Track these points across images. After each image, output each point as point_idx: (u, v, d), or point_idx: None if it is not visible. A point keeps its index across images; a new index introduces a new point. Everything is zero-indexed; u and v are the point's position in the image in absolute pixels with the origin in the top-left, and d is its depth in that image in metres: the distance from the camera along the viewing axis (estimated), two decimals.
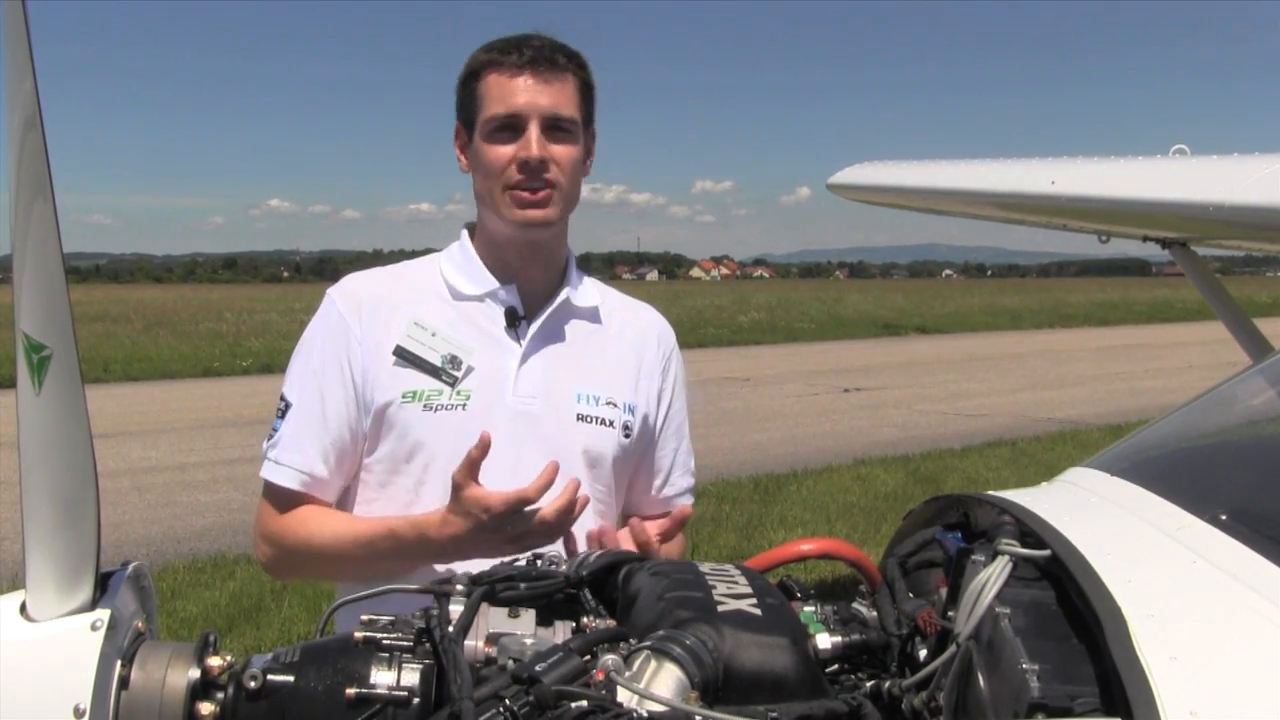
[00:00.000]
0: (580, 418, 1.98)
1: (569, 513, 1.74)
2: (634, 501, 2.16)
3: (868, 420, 14.25)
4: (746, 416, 14.38)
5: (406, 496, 1.95)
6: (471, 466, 1.72)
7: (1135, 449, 2.00)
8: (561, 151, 1.92)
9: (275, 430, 1.96)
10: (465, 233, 2.09)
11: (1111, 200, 4.31)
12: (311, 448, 1.93)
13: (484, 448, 1.71)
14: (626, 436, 2.03)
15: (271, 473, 1.94)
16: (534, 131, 1.89)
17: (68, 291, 1.16)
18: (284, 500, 1.95)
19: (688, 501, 2.20)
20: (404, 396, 1.92)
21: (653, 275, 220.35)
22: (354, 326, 1.95)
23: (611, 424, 2.01)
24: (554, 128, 1.91)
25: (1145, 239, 4.82)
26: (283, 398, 1.98)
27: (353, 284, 2.03)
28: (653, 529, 1.87)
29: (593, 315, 2.09)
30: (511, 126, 1.90)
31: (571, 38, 1.92)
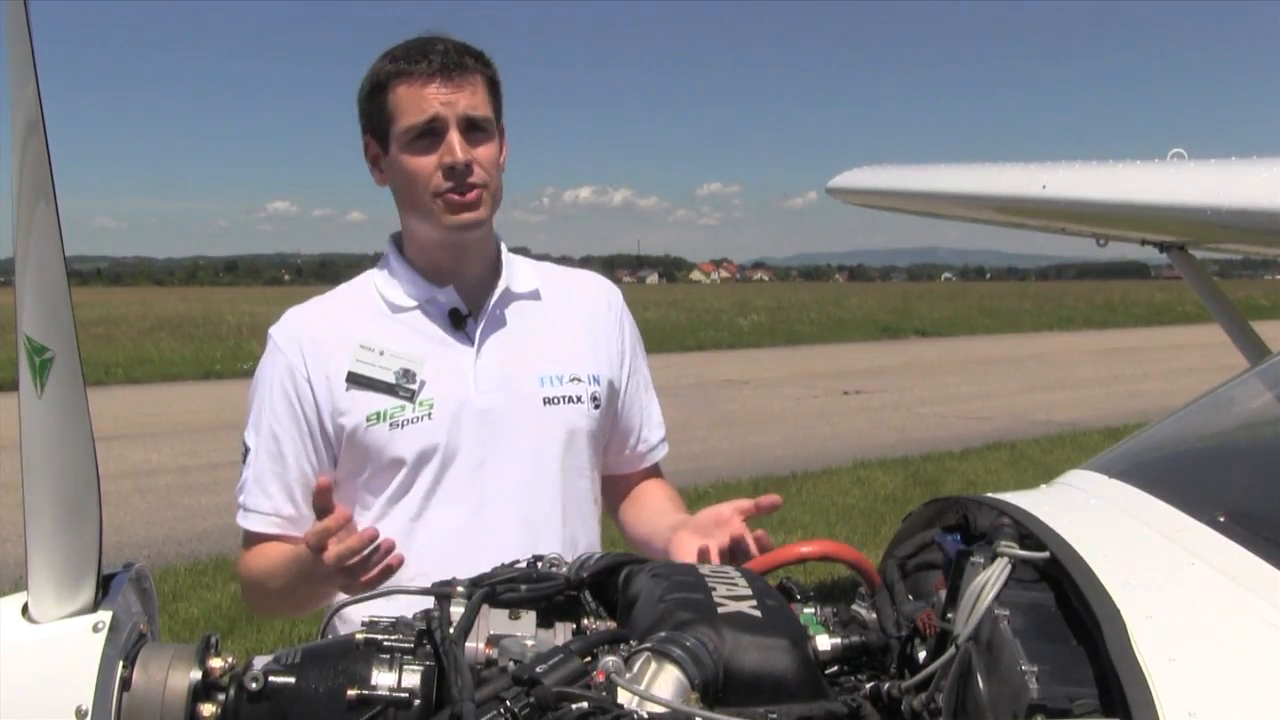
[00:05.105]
0: (547, 400, 1.98)
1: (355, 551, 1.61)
2: (611, 463, 2.16)
3: (867, 423, 14.24)
4: (746, 419, 14.37)
5: (415, 503, 1.94)
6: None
7: (1134, 451, 2.01)
8: (482, 152, 1.92)
9: (243, 476, 1.98)
10: (391, 244, 2.07)
11: (1110, 204, 4.31)
12: (275, 488, 1.94)
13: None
14: (596, 408, 2.03)
15: (244, 520, 1.97)
16: (454, 136, 1.88)
17: (70, 294, 1.16)
18: (260, 544, 1.97)
19: (663, 451, 2.22)
20: (368, 420, 1.91)
21: (653, 278, 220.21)
22: (298, 364, 1.94)
23: (579, 399, 2.01)
24: (472, 128, 1.91)
25: (1143, 242, 4.82)
26: (244, 443, 1.99)
27: (291, 320, 2.02)
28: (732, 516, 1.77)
29: (534, 296, 2.08)
30: (430, 133, 1.89)
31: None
